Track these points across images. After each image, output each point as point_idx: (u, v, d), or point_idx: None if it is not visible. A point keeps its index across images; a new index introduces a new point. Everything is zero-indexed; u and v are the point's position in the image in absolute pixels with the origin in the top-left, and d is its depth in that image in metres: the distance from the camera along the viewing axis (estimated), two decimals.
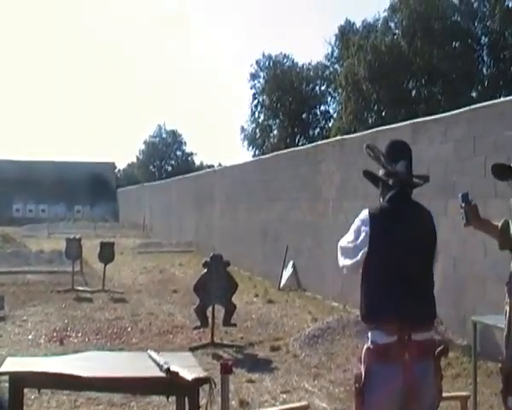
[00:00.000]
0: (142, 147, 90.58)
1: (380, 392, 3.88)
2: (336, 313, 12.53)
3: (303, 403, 5.97)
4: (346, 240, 4.13)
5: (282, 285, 17.33)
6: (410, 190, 4.23)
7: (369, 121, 43.33)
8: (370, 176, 4.34)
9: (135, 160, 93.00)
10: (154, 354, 4.85)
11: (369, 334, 4.00)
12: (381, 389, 3.88)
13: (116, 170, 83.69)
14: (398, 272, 3.94)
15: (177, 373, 4.36)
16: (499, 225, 4.70)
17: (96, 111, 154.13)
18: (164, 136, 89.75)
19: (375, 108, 46.59)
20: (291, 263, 17.44)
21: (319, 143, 19.34)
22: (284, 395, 8.01)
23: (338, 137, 17.82)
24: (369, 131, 15.00)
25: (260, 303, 15.16)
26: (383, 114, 44.56)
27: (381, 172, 4.22)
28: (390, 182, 4.13)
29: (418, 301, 3.96)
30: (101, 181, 71.05)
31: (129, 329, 12.08)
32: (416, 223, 4.10)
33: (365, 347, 4.01)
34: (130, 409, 7.50)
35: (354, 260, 4.04)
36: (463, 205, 4.58)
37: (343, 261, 4.12)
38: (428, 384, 3.95)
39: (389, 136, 12.76)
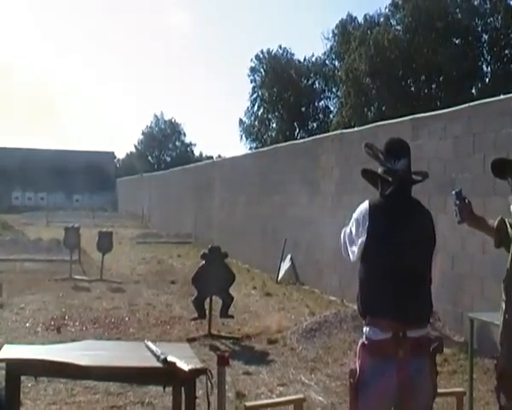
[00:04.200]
0: (141, 137, 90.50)
1: (373, 388, 3.88)
2: (334, 307, 12.55)
3: (299, 396, 5.96)
4: (348, 229, 4.18)
5: (279, 278, 17.34)
6: (409, 187, 4.22)
7: (369, 116, 43.32)
8: (369, 174, 4.31)
9: (133, 149, 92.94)
10: (151, 345, 4.86)
11: (365, 329, 4.00)
12: (374, 385, 3.88)
13: (115, 160, 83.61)
14: (394, 268, 3.93)
15: (174, 364, 4.37)
16: (495, 222, 4.68)
17: (95, 100, 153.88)
18: (162, 126, 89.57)
19: (376, 103, 46.56)
20: (289, 256, 17.44)
21: (318, 136, 19.34)
22: (281, 388, 8.03)
23: (337, 132, 17.80)
24: (369, 125, 15.00)
25: (258, 296, 15.17)
26: (383, 109, 44.51)
27: (380, 171, 4.21)
28: (389, 179, 4.12)
29: (414, 298, 3.94)
30: (101, 170, 70.99)
31: (126, 319, 12.09)
32: (414, 219, 4.09)
33: (360, 342, 4.02)
34: (127, 398, 7.50)
35: (357, 248, 4.06)
36: (457, 202, 4.56)
37: (349, 249, 4.16)
38: (423, 381, 3.94)
39: (389, 131, 12.80)
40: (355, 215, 4.12)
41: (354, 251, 4.09)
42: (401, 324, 3.86)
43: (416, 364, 3.89)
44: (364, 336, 3.98)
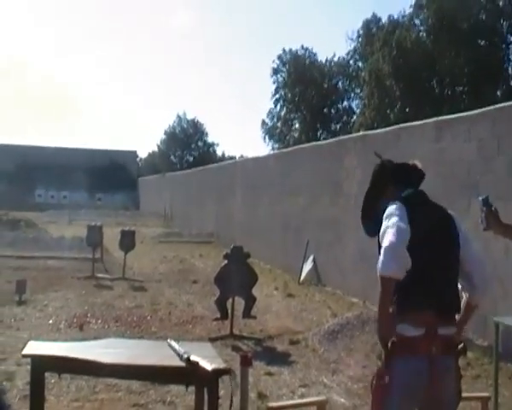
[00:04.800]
0: (164, 137, 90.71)
1: (404, 386, 3.78)
2: (356, 309, 12.51)
3: (322, 398, 5.96)
4: (392, 233, 3.76)
5: (301, 279, 17.31)
6: None
7: (392, 118, 43.14)
8: (388, 170, 4.28)
9: (156, 149, 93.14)
10: (174, 343, 4.85)
11: (396, 327, 3.87)
12: (405, 382, 3.78)
13: (138, 159, 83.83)
14: (429, 264, 3.83)
15: (197, 363, 4.35)
16: None
17: (118, 98, 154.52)
18: (185, 126, 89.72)
19: (399, 104, 46.35)
20: (311, 257, 17.40)
21: (342, 138, 19.28)
22: (303, 389, 8.01)
23: (361, 133, 17.78)
24: (393, 127, 14.93)
25: (280, 296, 15.16)
26: (406, 110, 44.33)
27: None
28: (411, 178, 4.12)
29: (445, 295, 3.90)
30: (123, 169, 71.25)
31: (148, 317, 12.12)
32: (442, 216, 4.06)
33: (390, 341, 3.87)
34: (149, 397, 7.52)
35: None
36: (484, 209, 4.48)
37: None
38: (450, 381, 3.88)
39: (413, 133, 12.77)
40: (395, 213, 3.86)
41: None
42: (434, 320, 3.80)
43: (445, 362, 3.83)
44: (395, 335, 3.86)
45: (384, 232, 3.84)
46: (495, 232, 4.64)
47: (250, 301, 10.97)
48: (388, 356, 3.80)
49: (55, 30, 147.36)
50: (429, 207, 4.09)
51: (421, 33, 45.81)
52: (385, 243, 3.75)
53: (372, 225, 4.15)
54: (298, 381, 8.39)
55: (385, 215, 3.94)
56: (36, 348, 4.86)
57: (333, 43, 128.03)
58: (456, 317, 4.06)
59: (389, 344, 3.79)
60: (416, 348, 3.79)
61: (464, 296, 4.13)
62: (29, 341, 5.20)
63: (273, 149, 62.83)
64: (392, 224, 3.82)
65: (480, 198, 4.50)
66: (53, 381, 7.33)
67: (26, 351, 4.72)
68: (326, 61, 63.68)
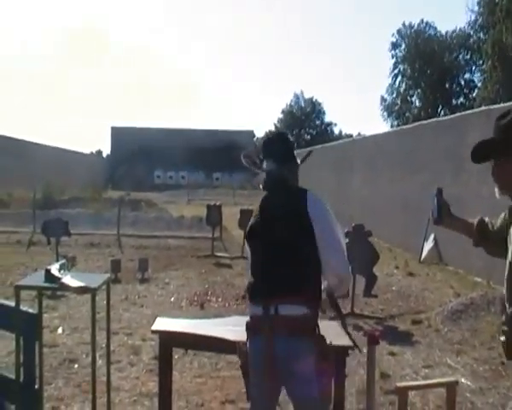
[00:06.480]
0: (281, 116, 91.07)
1: (251, 367, 3.78)
2: (480, 289, 12.18)
3: (452, 379, 5.76)
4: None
5: (422, 258, 17.01)
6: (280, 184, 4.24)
7: None
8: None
9: (273, 128, 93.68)
10: None
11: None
12: (252, 363, 3.77)
13: (255, 138, 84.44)
14: (263, 245, 4.03)
15: (323, 340, 4.30)
16: (475, 221, 4.09)
17: (236, 80, 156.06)
18: (302, 104, 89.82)
19: None
20: (432, 236, 17.05)
21: (464, 113, 18.72)
22: (426, 370, 7.84)
23: (484, 108, 17.22)
24: None
25: (400, 275, 14.93)
26: None
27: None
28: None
29: (284, 274, 3.78)
30: (240, 149, 71.31)
31: None
32: (282, 203, 4.10)
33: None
34: None
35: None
36: (437, 200, 4.00)
37: None
38: (297, 364, 3.64)
39: None
40: None
41: None
42: (272, 299, 3.72)
43: (287, 344, 3.64)
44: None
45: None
46: (446, 225, 4.19)
47: (371, 279, 10.82)
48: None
49: (177, 18, 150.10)
50: (273, 196, 4.33)
51: None
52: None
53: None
54: (421, 361, 8.22)
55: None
56: (163, 324, 4.92)
57: (453, 14, 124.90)
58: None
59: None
60: (256, 327, 3.77)
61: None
62: (153, 317, 5.28)
63: (392, 126, 62.05)
64: None
65: (436, 189, 4.04)
66: (176, 357, 7.43)
67: (154, 327, 4.79)
68: (446, 33, 62.23)
